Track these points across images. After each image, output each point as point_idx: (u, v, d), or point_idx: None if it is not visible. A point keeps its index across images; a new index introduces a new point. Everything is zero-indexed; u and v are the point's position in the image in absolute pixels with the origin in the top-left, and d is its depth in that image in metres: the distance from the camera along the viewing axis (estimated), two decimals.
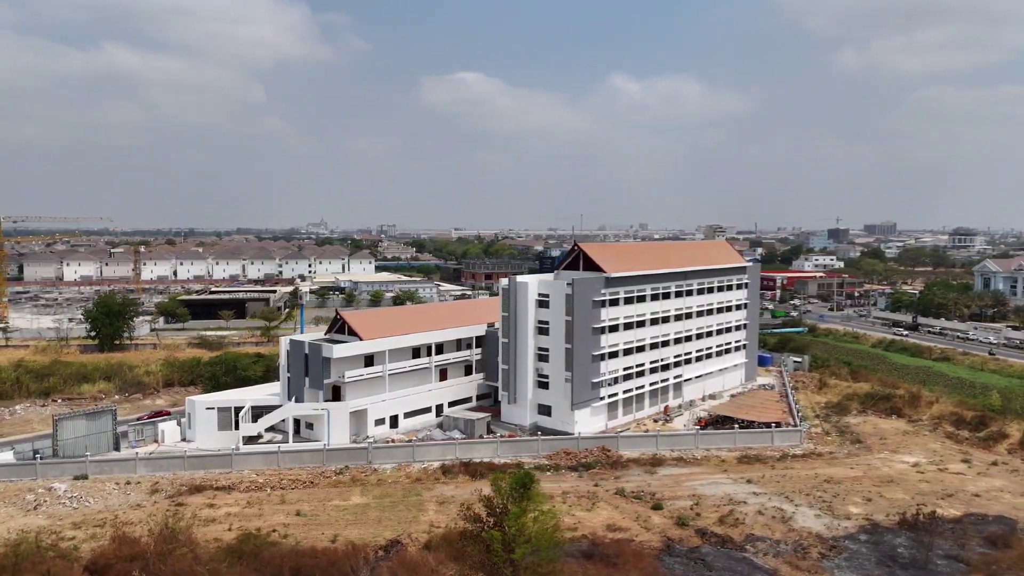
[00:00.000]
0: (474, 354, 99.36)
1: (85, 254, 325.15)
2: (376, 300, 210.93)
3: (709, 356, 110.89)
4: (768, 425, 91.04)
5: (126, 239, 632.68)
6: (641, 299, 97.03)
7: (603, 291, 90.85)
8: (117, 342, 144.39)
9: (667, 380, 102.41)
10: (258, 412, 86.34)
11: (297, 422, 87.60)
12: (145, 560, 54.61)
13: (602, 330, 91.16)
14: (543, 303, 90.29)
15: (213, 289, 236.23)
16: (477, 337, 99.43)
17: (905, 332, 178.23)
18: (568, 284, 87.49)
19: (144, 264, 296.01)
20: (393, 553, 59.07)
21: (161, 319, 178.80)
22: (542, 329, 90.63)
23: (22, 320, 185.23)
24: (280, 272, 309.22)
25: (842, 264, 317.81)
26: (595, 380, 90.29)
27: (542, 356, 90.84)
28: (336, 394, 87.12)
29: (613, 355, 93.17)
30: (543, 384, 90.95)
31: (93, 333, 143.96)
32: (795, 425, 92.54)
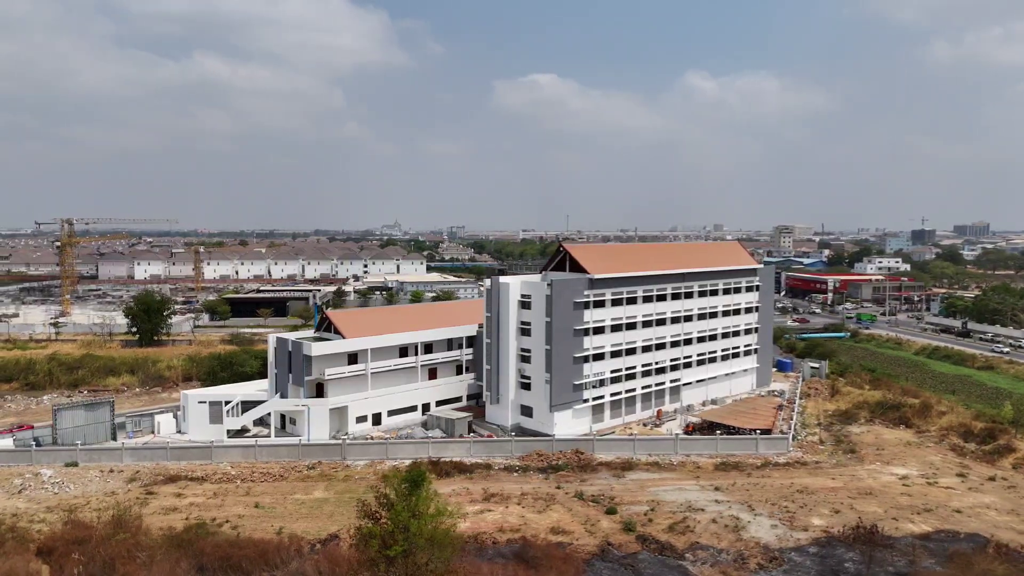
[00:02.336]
0: (464, 354, 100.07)
1: (155, 254, 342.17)
2: (416, 299, 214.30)
3: (713, 360, 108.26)
4: (754, 432, 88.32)
5: (209, 240, 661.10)
6: (631, 301, 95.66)
7: (586, 292, 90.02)
8: (156, 337, 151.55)
9: (663, 384, 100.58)
10: (248, 407, 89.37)
11: (283, 417, 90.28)
12: (88, 544, 58.04)
13: (585, 331, 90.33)
14: (525, 304, 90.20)
15: (260, 288, 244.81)
16: (468, 337, 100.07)
17: (956, 339, 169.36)
18: (548, 285, 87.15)
19: (207, 264, 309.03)
20: (327, 546, 60.53)
21: (205, 316, 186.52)
22: (525, 330, 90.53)
23: (83, 316, 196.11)
24: (335, 272, 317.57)
25: (908, 267, 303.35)
26: (577, 382, 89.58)
27: (525, 357, 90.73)
28: (320, 391, 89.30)
29: (599, 357, 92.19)
30: (525, 385, 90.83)
31: (134, 329, 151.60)
32: (786, 433, 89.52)
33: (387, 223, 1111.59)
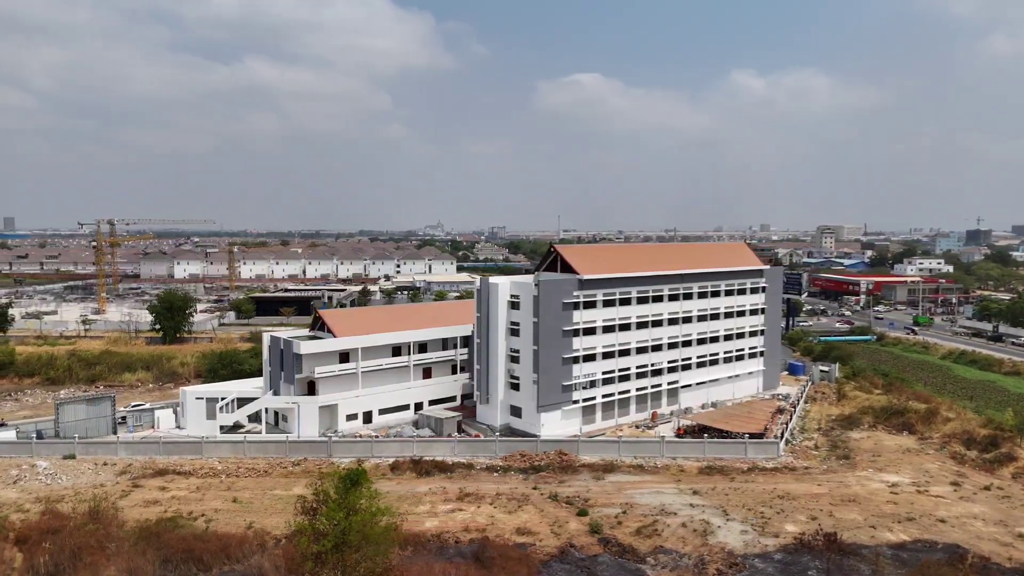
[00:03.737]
0: (459, 353, 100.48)
1: (194, 254, 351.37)
2: (440, 298, 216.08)
3: (715, 362, 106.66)
4: (743, 436, 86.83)
5: (253, 240, 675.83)
6: (625, 302, 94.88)
7: (576, 293, 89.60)
8: (179, 335, 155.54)
9: (659, 386, 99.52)
10: (244, 403, 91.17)
11: (276, 414, 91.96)
12: (61, 534, 60.05)
13: (575, 332, 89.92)
14: (515, 305, 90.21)
15: (287, 288, 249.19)
16: (463, 337, 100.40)
17: (987, 343, 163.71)
18: (535, 285, 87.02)
19: (244, 263, 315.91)
20: (291, 541, 61.48)
21: (231, 314, 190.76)
22: (514, 331, 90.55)
23: (117, 314, 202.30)
24: (367, 272, 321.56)
25: (950, 268, 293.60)
26: (566, 383, 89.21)
27: (514, 358, 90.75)
28: (312, 388, 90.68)
29: (589, 358, 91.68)
30: (515, 386, 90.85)
31: (157, 326, 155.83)
32: (780, 437, 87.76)
33: (430, 224, 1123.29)
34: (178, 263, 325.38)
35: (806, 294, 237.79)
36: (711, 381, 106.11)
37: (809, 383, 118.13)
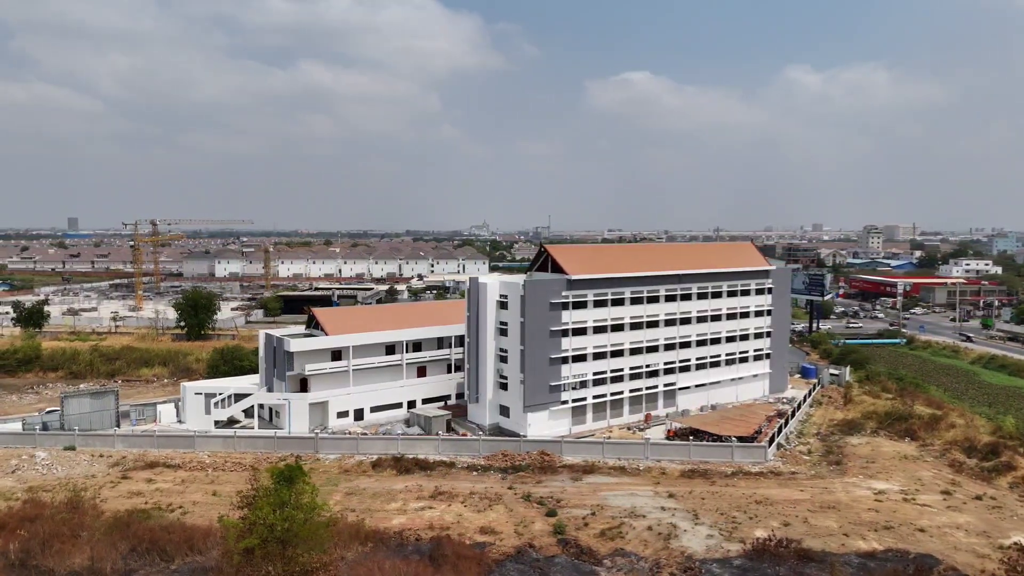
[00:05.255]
0: (455, 352, 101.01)
1: (235, 253, 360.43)
2: (464, 296, 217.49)
3: (716, 364, 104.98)
4: (730, 439, 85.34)
5: (297, 240, 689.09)
6: (618, 302, 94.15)
7: (564, 293, 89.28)
8: (203, 332, 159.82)
9: (655, 387, 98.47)
10: (240, 399, 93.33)
11: (271, 410, 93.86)
12: (37, 522, 62.48)
13: (563, 332, 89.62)
14: (504, 304, 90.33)
15: (320, 287, 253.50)
16: (458, 336, 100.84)
17: (1022, 348, 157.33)
18: (522, 285, 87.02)
19: (282, 262, 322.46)
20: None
21: (259, 312, 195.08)
22: (503, 330, 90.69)
23: (151, 311, 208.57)
24: (401, 272, 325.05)
25: (999, 269, 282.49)
26: (554, 383, 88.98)
27: (503, 357, 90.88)
28: (304, 385, 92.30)
29: (579, 358, 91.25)
30: (504, 385, 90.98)
31: (182, 323, 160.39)
32: (771, 441, 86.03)
33: (476, 223, 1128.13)
34: (219, 262, 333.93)
35: (831, 295, 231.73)
36: (712, 383, 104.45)
37: (818, 386, 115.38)
